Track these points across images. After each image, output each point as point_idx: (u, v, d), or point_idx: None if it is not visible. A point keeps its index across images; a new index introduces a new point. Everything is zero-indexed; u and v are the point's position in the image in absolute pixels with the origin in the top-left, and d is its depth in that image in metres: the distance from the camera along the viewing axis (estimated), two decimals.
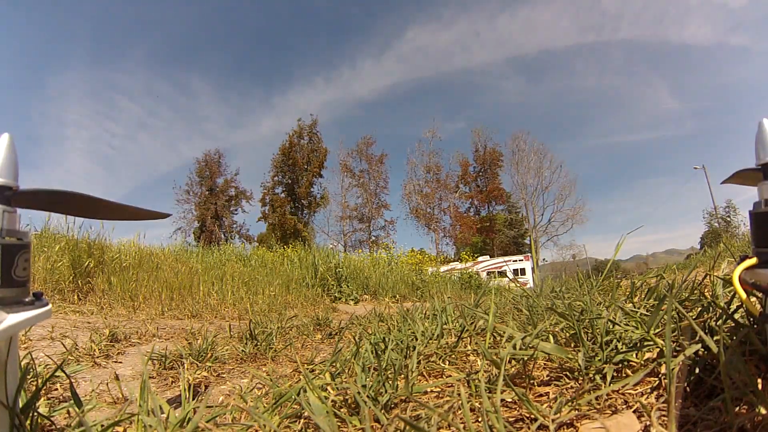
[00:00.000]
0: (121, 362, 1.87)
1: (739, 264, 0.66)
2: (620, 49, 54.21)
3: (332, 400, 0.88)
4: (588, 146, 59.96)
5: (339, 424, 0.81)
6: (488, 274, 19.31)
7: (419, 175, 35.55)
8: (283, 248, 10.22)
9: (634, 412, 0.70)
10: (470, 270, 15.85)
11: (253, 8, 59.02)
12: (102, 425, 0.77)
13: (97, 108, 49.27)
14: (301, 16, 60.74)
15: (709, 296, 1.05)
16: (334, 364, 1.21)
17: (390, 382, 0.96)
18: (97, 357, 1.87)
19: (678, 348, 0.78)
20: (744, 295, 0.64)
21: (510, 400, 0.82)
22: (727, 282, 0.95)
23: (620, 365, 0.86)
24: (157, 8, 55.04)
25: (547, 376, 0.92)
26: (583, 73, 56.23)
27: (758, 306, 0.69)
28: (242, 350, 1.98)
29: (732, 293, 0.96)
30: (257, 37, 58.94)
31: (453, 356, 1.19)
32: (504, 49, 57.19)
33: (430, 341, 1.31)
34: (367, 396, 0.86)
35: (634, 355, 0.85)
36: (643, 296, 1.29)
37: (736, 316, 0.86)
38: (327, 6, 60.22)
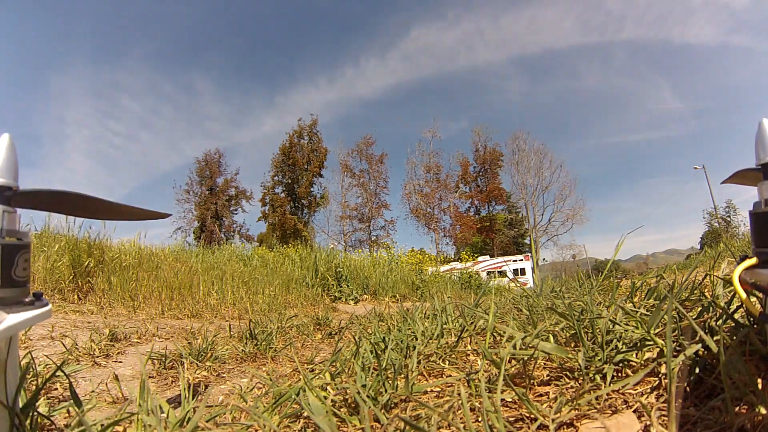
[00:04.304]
0: (121, 362, 1.87)
1: (739, 264, 0.66)
2: (623, 49, 54.39)
3: (332, 400, 0.88)
4: (588, 146, 60.14)
5: (339, 423, 0.81)
6: (488, 274, 19.30)
7: (419, 175, 35.53)
8: (284, 248, 10.23)
9: (634, 411, 0.70)
10: (470, 270, 15.85)
11: (257, 6, 59.20)
12: (102, 425, 0.77)
13: (98, 107, 49.34)
14: (305, 14, 60.96)
15: (709, 296, 1.05)
16: (333, 364, 1.21)
17: (390, 381, 0.96)
18: (97, 357, 1.87)
19: (678, 348, 0.78)
20: (744, 295, 0.64)
21: (510, 399, 0.82)
22: (727, 282, 0.95)
23: (620, 365, 0.86)
24: (160, 6, 55.16)
25: (547, 375, 0.92)
26: (586, 72, 56.44)
27: (758, 306, 0.69)
28: (242, 350, 1.98)
29: (732, 293, 0.96)
30: (260, 36, 59.17)
31: (453, 356, 1.19)
32: (508, 49, 57.43)
33: (430, 341, 1.31)
34: (367, 396, 0.86)
35: (635, 355, 0.85)
36: (643, 296, 1.29)
37: (736, 316, 0.85)
38: (331, 5, 60.33)
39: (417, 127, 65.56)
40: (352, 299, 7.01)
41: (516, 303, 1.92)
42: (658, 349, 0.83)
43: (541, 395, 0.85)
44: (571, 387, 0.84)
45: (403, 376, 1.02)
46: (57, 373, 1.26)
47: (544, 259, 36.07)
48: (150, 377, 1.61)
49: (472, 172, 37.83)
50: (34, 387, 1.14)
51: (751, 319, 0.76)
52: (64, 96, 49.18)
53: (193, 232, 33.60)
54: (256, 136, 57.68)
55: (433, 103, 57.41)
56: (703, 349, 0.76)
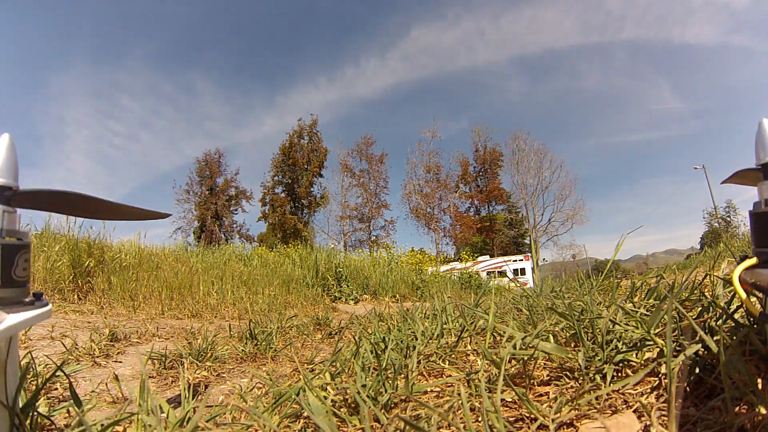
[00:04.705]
0: (121, 362, 1.87)
1: (739, 264, 0.66)
2: (623, 49, 54.43)
3: (332, 400, 0.88)
4: (588, 146, 60.19)
5: (338, 423, 0.81)
6: (488, 274, 19.31)
7: (419, 174, 35.54)
8: (284, 248, 10.24)
9: (634, 411, 0.70)
10: (470, 270, 15.84)
11: (257, 6, 59.20)
12: (102, 425, 0.77)
13: (98, 107, 49.32)
14: (305, 14, 60.99)
15: (709, 296, 1.05)
16: (333, 364, 1.21)
17: (390, 381, 0.96)
18: (97, 356, 1.87)
19: (678, 348, 0.78)
20: (744, 295, 0.64)
21: (510, 399, 0.82)
22: (727, 282, 0.95)
23: (620, 365, 0.86)
24: (160, 6, 55.16)
25: (547, 375, 0.92)
26: (586, 72, 56.51)
27: (758, 306, 0.69)
28: (242, 350, 1.98)
29: (732, 293, 0.96)
30: (261, 36, 59.19)
31: (453, 356, 1.19)
32: (508, 49, 57.53)
33: (430, 341, 1.31)
34: (367, 396, 0.86)
35: (635, 355, 0.85)
36: (643, 296, 1.29)
37: (736, 316, 0.85)
38: (332, 4, 60.39)
39: (417, 127, 65.61)
40: (352, 299, 7.01)
41: (516, 303, 1.92)
42: (658, 349, 0.83)
43: (541, 395, 0.85)
44: (571, 387, 0.84)
45: (403, 376, 1.02)
46: (57, 373, 1.26)
47: (544, 259, 36.08)
48: (150, 377, 1.61)
49: (472, 172, 37.85)
50: (34, 387, 1.14)
51: (751, 319, 0.76)
52: (64, 96, 49.16)
53: (193, 232, 33.60)
54: (256, 136, 57.75)
55: (433, 103, 57.50)
56: (703, 349, 0.76)
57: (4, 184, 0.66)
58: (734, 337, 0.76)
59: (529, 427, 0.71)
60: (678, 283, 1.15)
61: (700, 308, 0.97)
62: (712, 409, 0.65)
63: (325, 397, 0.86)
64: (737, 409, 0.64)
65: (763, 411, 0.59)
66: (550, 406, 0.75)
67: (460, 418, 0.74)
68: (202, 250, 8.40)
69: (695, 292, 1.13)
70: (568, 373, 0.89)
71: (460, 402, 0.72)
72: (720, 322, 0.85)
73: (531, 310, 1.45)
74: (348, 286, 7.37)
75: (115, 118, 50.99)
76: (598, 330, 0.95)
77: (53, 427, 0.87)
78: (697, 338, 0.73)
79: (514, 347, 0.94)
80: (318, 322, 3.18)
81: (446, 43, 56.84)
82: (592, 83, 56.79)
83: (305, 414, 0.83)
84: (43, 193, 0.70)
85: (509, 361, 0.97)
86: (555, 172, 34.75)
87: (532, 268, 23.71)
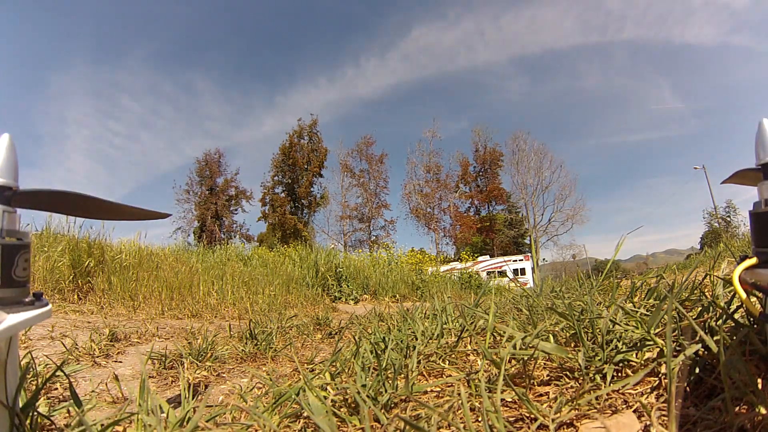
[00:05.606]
0: (121, 362, 1.87)
1: (739, 264, 0.66)
2: (623, 49, 54.46)
3: (332, 400, 0.88)
4: (588, 146, 60.23)
5: (338, 423, 0.81)
6: (488, 274, 19.32)
7: (419, 174, 35.54)
8: (284, 248, 10.25)
9: (634, 411, 0.70)
10: (470, 270, 15.84)
11: (257, 6, 59.22)
12: (102, 425, 0.77)
13: (98, 107, 49.30)
14: (305, 14, 61.02)
15: (709, 296, 1.05)
16: (333, 364, 1.21)
17: (390, 381, 0.96)
18: (97, 356, 1.87)
19: (678, 348, 0.78)
20: (744, 295, 0.64)
21: (510, 399, 0.82)
22: (727, 282, 0.95)
23: (620, 365, 0.86)
24: (160, 6, 55.19)
25: (547, 375, 0.92)
26: (586, 72, 56.56)
27: (758, 306, 0.69)
28: (242, 350, 1.98)
29: (732, 293, 0.96)
30: (261, 36, 59.25)
31: (453, 356, 1.19)
32: (508, 49, 57.58)
33: (430, 341, 1.31)
34: (367, 396, 0.86)
35: (635, 355, 0.85)
36: (643, 296, 1.29)
37: (736, 316, 0.86)
38: (332, 4, 60.42)
39: (417, 127, 65.61)
40: (352, 299, 7.01)
41: (516, 303, 1.92)
42: (658, 349, 0.83)
43: (541, 395, 0.85)
44: (571, 387, 0.84)
45: (403, 376, 1.02)
46: (57, 373, 1.26)
47: (544, 259, 36.07)
48: (150, 377, 1.61)
49: (472, 172, 37.84)
50: (34, 387, 1.14)
51: (751, 319, 0.76)
52: (64, 96, 49.13)
53: (194, 232, 33.60)
54: (256, 136, 57.75)
55: (433, 103, 57.51)
56: (703, 349, 0.76)
57: (4, 184, 0.66)
58: (734, 337, 0.76)
59: (529, 427, 0.71)
60: (678, 283, 1.15)
61: (700, 308, 0.97)
62: (712, 409, 0.65)
63: (325, 397, 0.86)
64: (737, 409, 0.64)
65: (763, 411, 0.59)
66: (550, 406, 0.75)
67: (460, 418, 0.74)
68: (202, 250, 8.41)
69: (695, 292, 1.13)
70: (568, 373, 0.89)
71: (460, 402, 0.72)
72: (720, 322, 0.84)
73: (531, 310, 1.45)
74: (348, 286, 7.37)
75: (115, 118, 51.00)
76: (598, 330, 0.95)
77: (53, 427, 0.87)
78: (697, 338, 0.73)
79: (514, 347, 0.94)
80: (318, 322, 3.18)
81: (446, 43, 56.90)
82: (592, 83, 56.85)
83: (305, 414, 0.83)
84: (43, 193, 0.70)
85: (509, 361, 0.97)
86: (555, 172, 34.77)
87: (532, 268, 23.70)
